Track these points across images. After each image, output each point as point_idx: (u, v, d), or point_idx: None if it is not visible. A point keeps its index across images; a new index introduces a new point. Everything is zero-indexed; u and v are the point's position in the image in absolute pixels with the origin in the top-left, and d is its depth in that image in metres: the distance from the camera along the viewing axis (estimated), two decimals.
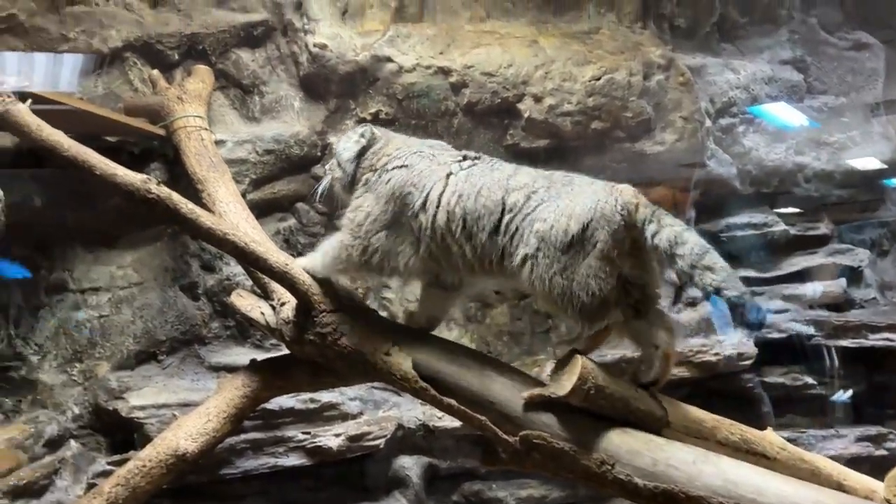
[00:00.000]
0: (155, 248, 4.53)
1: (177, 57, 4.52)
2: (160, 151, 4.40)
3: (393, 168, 3.17)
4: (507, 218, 2.99)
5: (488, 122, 4.81)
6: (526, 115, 4.79)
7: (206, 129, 4.30)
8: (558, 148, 4.89)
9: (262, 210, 4.56)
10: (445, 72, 4.71)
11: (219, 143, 4.44)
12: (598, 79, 4.83)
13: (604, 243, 2.89)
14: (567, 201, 2.95)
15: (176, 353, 4.52)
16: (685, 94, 5.01)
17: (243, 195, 4.37)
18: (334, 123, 4.71)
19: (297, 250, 4.72)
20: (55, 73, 4.24)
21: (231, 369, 4.45)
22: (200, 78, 4.46)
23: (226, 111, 4.65)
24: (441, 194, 3.08)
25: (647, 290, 2.97)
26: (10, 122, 3.27)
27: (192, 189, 4.11)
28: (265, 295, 3.88)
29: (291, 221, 4.74)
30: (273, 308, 3.74)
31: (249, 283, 4.25)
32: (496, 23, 5.06)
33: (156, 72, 4.36)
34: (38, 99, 3.46)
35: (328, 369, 3.55)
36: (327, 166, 3.43)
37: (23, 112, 3.28)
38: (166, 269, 4.55)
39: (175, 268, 4.57)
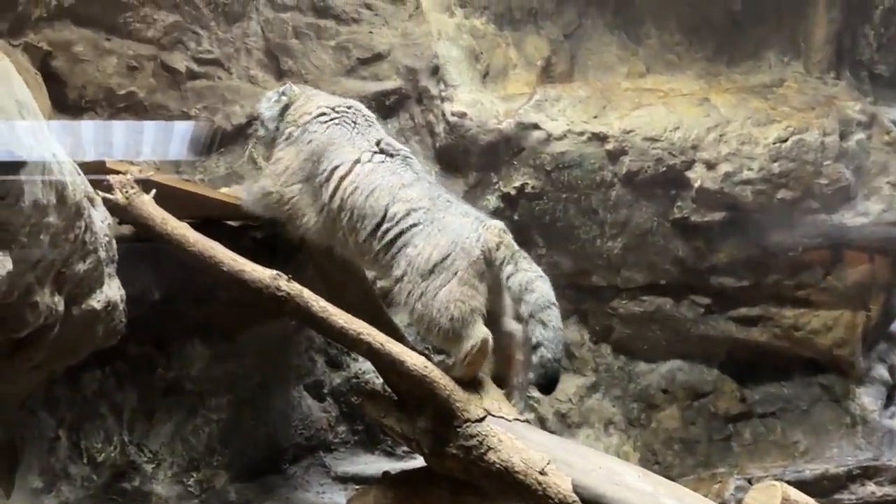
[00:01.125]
0: (278, 343, 4.55)
1: None
2: (284, 236, 4.35)
3: (314, 131, 3.69)
4: (385, 226, 3.53)
5: (652, 193, 4.69)
6: (697, 184, 4.64)
7: None
8: (736, 221, 4.70)
9: None
10: (601, 138, 4.63)
11: None
12: (785, 140, 4.65)
13: (464, 271, 3.42)
14: (437, 230, 3.48)
15: (300, 461, 4.50)
16: (892, 155, 4.77)
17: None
18: (474, 199, 4.64)
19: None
20: (175, 154, 4.40)
21: (360, 480, 4.40)
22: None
23: None
24: (343, 177, 3.61)
25: (498, 324, 3.51)
26: (135, 216, 3.37)
27: (318, 277, 4.10)
28: (399, 398, 3.83)
29: None
30: (409, 414, 3.69)
31: (380, 381, 4.19)
32: (658, 78, 4.96)
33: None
34: (159, 186, 3.57)
35: (472, 487, 3.48)
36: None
37: (147, 204, 3.38)
38: (290, 367, 4.56)
39: (299, 364, 4.57)
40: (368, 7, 4.71)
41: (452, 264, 3.42)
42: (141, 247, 3.81)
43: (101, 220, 2.86)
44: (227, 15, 4.52)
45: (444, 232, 3.48)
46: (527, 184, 4.63)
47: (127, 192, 3.36)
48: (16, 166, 1.82)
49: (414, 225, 3.51)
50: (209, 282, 3.72)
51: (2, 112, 1.83)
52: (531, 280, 3.40)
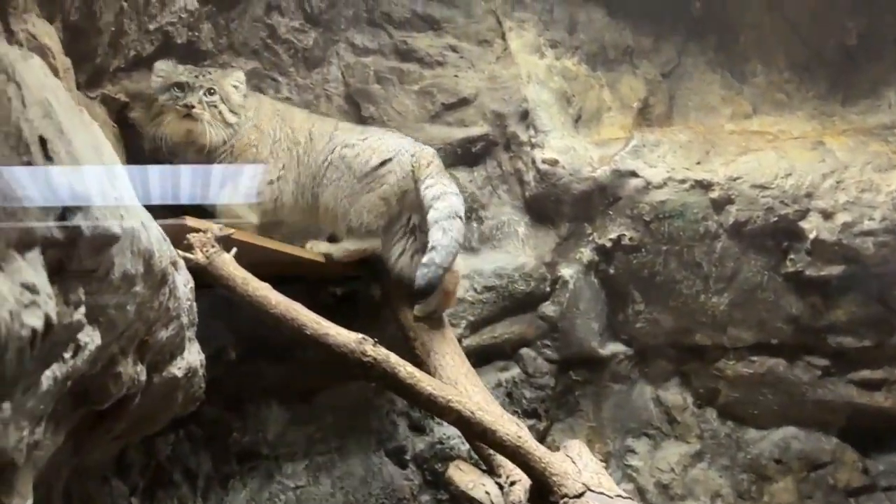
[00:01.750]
0: (358, 405, 4.55)
1: None
2: (365, 293, 4.47)
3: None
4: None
5: (761, 245, 4.58)
6: (812, 235, 4.51)
7: None
8: (856, 275, 4.53)
9: (480, 357, 4.52)
10: (704, 186, 4.55)
11: None
12: None
13: (389, 186, 4.02)
14: (377, 139, 4.12)
15: None
16: None
17: (459, 340, 4.34)
18: (566, 252, 4.64)
19: (521, 406, 4.64)
20: (249, 198, 4.46)
21: None
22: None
23: None
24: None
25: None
26: (215, 276, 3.42)
27: (401, 336, 4.15)
28: (490, 469, 3.79)
29: (515, 371, 4.66)
30: (500, 487, 3.67)
31: (466, 446, 4.22)
32: (766, 119, 4.87)
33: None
34: (239, 244, 3.61)
35: None
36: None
37: (228, 263, 3.42)
38: (370, 430, 4.56)
39: (380, 428, 4.56)
40: (454, 50, 4.75)
41: (384, 175, 4.02)
42: (217, 302, 3.88)
43: (183, 284, 2.89)
44: (307, 60, 4.61)
45: (384, 142, 4.10)
46: (624, 235, 4.58)
47: (207, 251, 3.41)
48: (110, 240, 1.86)
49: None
50: (287, 339, 3.74)
51: (95, 184, 1.87)
52: (445, 193, 3.97)
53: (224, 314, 4.03)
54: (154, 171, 3.67)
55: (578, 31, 4.97)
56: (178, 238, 3.39)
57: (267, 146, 4.09)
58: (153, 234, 2.44)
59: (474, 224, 4.70)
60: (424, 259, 3.85)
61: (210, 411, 4.27)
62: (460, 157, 4.70)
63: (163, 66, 3.95)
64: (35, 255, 1.60)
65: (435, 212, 3.92)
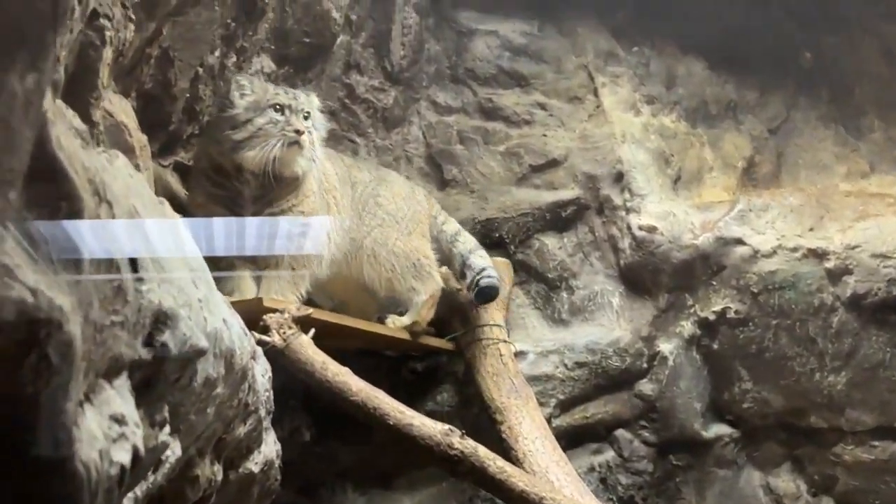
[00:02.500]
0: (438, 490, 4.54)
1: None
2: (448, 369, 4.49)
3: None
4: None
5: (883, 320, 4.44)
6: None
7: (505, 340, 4.34)
8: None
9: (571, 439, 4.50)
10: (819, 254, 4.45)
11: (518, 355, 4.46)
12: None
13: (423, 224, 4.36)
14: (390, 183, 4.33)
15: None
16: None
17: (548, 420, 4.30)
18: (665, 326, 4.59)
19: (617, 493, 4.56)
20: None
21: None
22: (497, 274, 4.51)
23: (526, 313, 4.70)
24: None
25: None
26: (292, 360, 3.46)
27: (486, 418, 4.13)
28: None
29: (609, 455, 4.61)
30: None
31: None
32: (885, 179, 4.79)
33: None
34: (317, 323, 3.63)
35: None
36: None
37: (306, 346, 3.45)
38: None
39: None
40: (542, 107, 4.79)
41: (415, 215, 4.28)
42: (291, 380, 3.91)
43: (261, 375, 2.91)
44: (387, 120, 4.68)
45: (399, 186, 4.34)
46: (729, 308, 4.52)
47: (285, 333, 3.44)
48: (197, 355, 1.89)
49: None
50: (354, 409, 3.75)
51: (182, 294, 1.90)
52: (459, 229, 4.46)
53: (298, 392, 4.08)
54: (218, 224, 3.74)
55: (677, 86, 4.97)
56: (254, 318, 3.42)
57: (333, 193, 4.06)
58: (234, 331, 2.46)
59: (564, 294, 4.71)
60: (484, 282, 4.26)
61: (283, 496, 4.28)
62: (549, 221, 4.72)
63: (248, 83, 3.75)
64: (122, 382, 1.62)
65: (462, 244, 4.38)
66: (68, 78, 2.15)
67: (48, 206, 1.35)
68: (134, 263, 1.65)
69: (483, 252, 4.39)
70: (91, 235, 1.49)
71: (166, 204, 2.46)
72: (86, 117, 2.35)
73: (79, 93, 2.29)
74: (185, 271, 2.12)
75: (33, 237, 1.30)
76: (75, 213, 1.42)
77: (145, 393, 1.75)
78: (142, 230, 1.82)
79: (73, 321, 1.33)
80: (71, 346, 1.33)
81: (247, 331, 2.66)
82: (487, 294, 4.26)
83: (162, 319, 1.74)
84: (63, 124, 1.57)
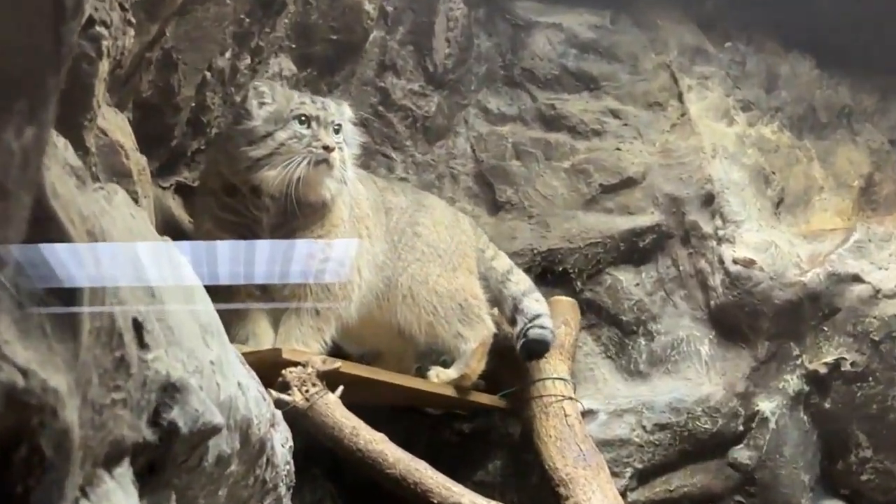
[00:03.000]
0: None
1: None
2: (502, 431, 4.48)
3: None
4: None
5: None
6: None
7: (570, 397, 4.33)
8: None
9: None
10: None
11: (587, 414, 4.46)
12: None
13: (471, 258, 4.38)
14: (430, 211, 4.36)
15: None
16: None
17: (623, 494, 4.29)
18: (765, 380, 4.58)
19: None
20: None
21: None
22: (561, 316, 4.52)
23: (596, 363, 4.70)
24: None
25: None
26: (317, 423, 3.46)
27: (548, 492, 4.12)
28: None
29: None
30: None
31: None
32: None
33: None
34: (347, 378, 3.64)
35: None
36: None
37: (333, 407, 3.46)
38: None
39: None
40: (615, 115, 4.80)
41: (459, 247, 4.31)
42: (316, 449, 3.93)
43: (281, 444, 2.91)
44: (428, 131, 4.71)
45: (440, 213, 4.37)
46: (844, 359, 4.53)
47: (308, 391, 3.45)
48: (210, 433, 1.90)
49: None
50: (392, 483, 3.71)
51: (193, 360, 1.91)
52: (511, 266, 4.49)
53: (322, 458, 4.09)
54: (228, 256, 3.75)
55: (779, 89, 4.98)
56: (271, 372, 3.44)
57: (365, 221, 4.06)
58: (251, 396, 2.47)
59: (641, 340, 4.71)
60: (536, 332, 4.25)
61: None
62: (624, 253, 4.71)
63: (269, 90, 3.77)
64: (124, 470, 1.63)
65: (515, 285, 4.41)
66: (58, 100, 2.18)
67: (41, 268, 1.36)
68: (139, 328, 1.66)
69: (539, 296, 4.38)
70: (90, 298, 1.50)
71: (170, 242, 2.48)
72: (80, 144, 2.37)
73: (71, 116, 2.30)
74: (194, 326, 2.13)
75: (24, 305, 1.31)
76: (72, 272, 1.44)
77: (150, 480, 1.76)
78: (146, 283, 1.84)
79: (69, 405, 1.34)
80: (67, 436, 1.34)
81: (265, 394, 2.67)
82: (534, 349, 4.25)
83: (170, 393, 1.75)
84: (56, 164, 1.58)
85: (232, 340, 3.62)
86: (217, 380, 2.15)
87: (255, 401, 2.52)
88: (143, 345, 1.67)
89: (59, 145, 1.92)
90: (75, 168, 1.76)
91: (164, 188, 4.06)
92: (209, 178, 3.88)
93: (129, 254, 1.81)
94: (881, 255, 4.57)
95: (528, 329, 4.24)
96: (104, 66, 2.45)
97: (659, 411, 4.57)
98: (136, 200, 2.97)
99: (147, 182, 3.24)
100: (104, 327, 1.52)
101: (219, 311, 3.75)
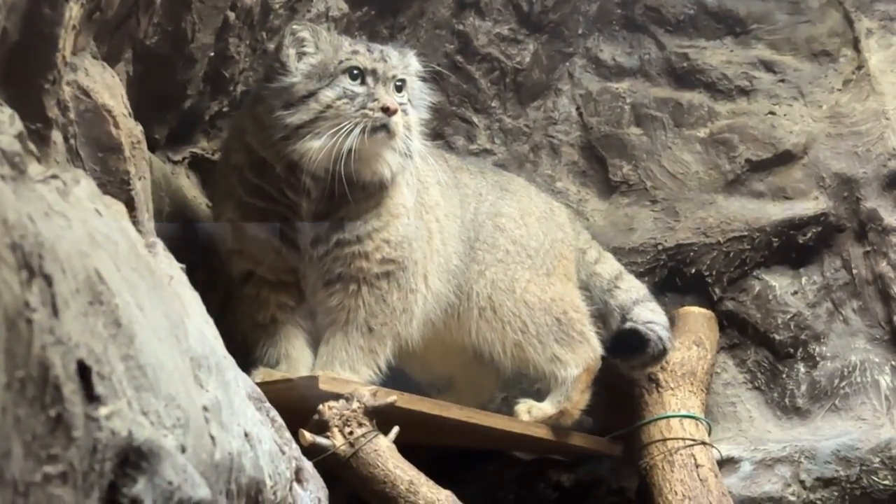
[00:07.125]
0: None
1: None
2: (612, 484, 4.51)
3: None
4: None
5: None
6: None
7: (703, 442, 4.31)
8: None
9: None
10: None
11: (725, 464, 4.46)
12: None
13: (569, 261, 4.42)
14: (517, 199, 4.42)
15: None
16: None
17: None
18: None
19: None
20: None
21: None
22: (692, 333, 4.51)
23: (739, 395, 4.71)
24: None
25: None
26: (363, 476, 3.41)
27: None
28: None
29: None
30: None
31: None
32: None
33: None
34: (404, 417, 3.61)
35: None
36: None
37: (384, 454, 3.42)
38: None
39: None
40: (768, 68, 4.79)
41: (555, 246, 4.35)
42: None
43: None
44: (520, 88, 4.73)
45: (530, 201, 4.41)
46: None
47: (352, 432, 3.40)
48: None
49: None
50: None
51: (171, 412, 1.83)
52: (620, 270, 4.55)
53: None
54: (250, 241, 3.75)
55: None
56: (306, 406, 3.41)
57: (435, 211, 4.06)
58: (264, 449, 2.43)
59: (800, 367, 4.70)
60: (653, 336, 4.27)
61: None
62: (778, 251, 4.71)
63: (311, 36, 3.71)
64: None
65: (624, 293, 4.46)
66: (4, 52, 2.11)
67: None
68: (86, 374, 1.57)
69: (655, 305, 4.42)
70: (7, 337, 1.40)
71: (159, 247, 2.40)
72: (37, 113, 2.31)
73: (24, 77, 2.23)
74: (181, 361, 2.06)
75: None
76: None
77: None
78: (106, 311, 1.75)
79: None
80: None
81: (285, 444, 2.62)
82: (625, 342, 4.27)
83: (133, 460, 1.69)
84: None
85: (258, 364, 3.66)
86: (211, 432, 2.10)
87: (270, 456, 2.49)
88: (92, 397, 1.59)
89: None
90: (7, 153, 1.67)
91: (174, 162, 4.07)
92: (233, 152, 3.85)
93: (84, 270, 1.72)
94: None
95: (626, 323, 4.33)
96: (73, 10, 2.38)
97: (822, 461, 4.56)
98: (126, 183, 2.93)
99: (143, 158, 3.17)
100: (31, 377, 1.43)
101: (242, 329, 3.77)
